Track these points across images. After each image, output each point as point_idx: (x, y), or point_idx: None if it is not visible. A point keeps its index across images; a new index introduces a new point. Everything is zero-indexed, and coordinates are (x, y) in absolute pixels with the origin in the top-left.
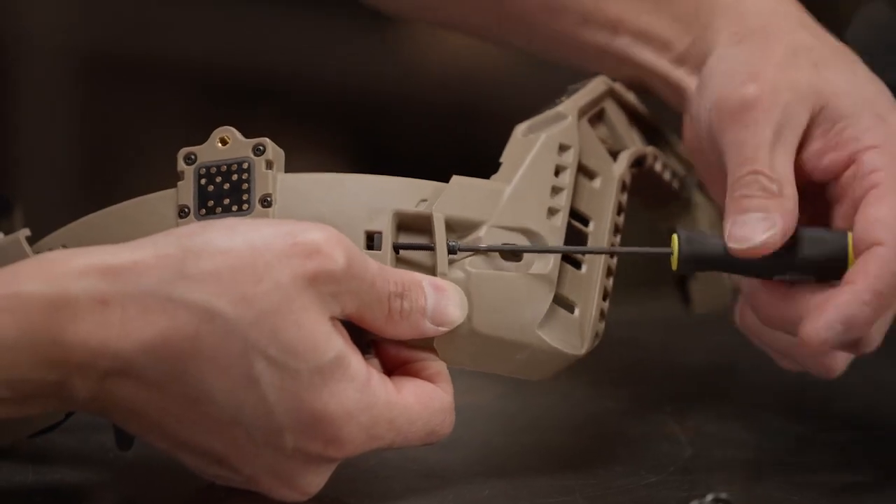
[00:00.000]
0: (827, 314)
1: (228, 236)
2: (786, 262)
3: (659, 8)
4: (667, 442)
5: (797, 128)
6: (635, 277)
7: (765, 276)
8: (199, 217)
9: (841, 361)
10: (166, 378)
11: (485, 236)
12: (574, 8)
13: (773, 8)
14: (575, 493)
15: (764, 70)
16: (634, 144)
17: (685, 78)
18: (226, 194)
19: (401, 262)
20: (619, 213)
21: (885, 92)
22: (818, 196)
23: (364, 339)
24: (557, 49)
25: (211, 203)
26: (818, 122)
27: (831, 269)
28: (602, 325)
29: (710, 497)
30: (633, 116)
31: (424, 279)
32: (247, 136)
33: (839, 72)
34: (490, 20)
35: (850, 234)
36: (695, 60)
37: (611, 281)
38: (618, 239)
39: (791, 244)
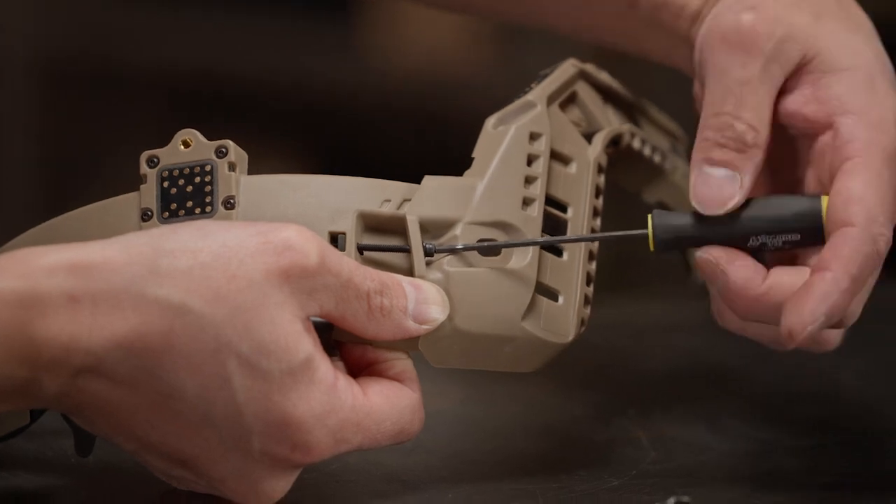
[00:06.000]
0: (809, 305)
1: (200, 236)
2: (759, 227)
3: None
4: (630, 446)
5: (786, 65)
6: (601, 282)
7: (739, 245)
8: (162, 220)
9: (835, 335)
10: (137, 375)
11: (461, 234)
12: None
13: None
14: (538, 497)
15: (765, 1)
16: (610, 124)
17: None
18: (188, 197)
19: (370, 264)
20: (597, 196)
21: (884, 59)
22: (786, 143)
23: (330, 341)
24: (581, 28)
25: (174, 206)
26: (808, 70)
27: (806, 235)
28: (588, 311)
29: (672, 500)
30: (609, 95)
31: (403, 279)
32: (211, 140)
33: (841, 27)
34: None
35: (824, 199)
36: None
37: (593, 265)
38: (598, 222)
39: (764, 209)
